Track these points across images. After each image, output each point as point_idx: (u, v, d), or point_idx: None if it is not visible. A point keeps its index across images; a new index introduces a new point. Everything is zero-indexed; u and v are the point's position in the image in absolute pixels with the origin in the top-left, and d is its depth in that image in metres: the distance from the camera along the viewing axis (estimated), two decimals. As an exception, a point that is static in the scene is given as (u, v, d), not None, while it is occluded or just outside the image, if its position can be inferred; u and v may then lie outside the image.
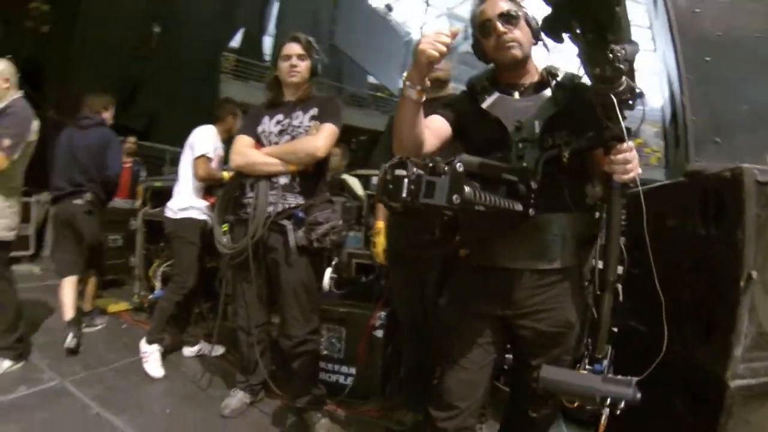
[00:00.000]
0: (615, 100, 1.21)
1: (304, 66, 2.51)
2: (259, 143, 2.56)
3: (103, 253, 4.46)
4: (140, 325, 4.21)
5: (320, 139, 2.40)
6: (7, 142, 2.80)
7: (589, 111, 1.31)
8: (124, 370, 3.38)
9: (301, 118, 2.55)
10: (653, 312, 1.37)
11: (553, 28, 1.22)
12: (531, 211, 1.25)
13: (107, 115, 3.98)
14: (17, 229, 3.26)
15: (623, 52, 1.12)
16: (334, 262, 3.28)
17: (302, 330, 2.49)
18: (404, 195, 1.03)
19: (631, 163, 1.27)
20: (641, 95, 1.25)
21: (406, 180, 1.03)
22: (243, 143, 2.58)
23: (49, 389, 3.02)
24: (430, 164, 1.04)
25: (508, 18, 1.45)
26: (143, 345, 3.33)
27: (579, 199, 1.45)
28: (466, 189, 1.01)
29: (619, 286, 1.34)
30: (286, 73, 2.56)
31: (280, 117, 2.55)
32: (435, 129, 1.54)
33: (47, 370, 3.25)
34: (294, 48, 2.50)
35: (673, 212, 1.77)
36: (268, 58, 12.26)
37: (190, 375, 3.30)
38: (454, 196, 0.97)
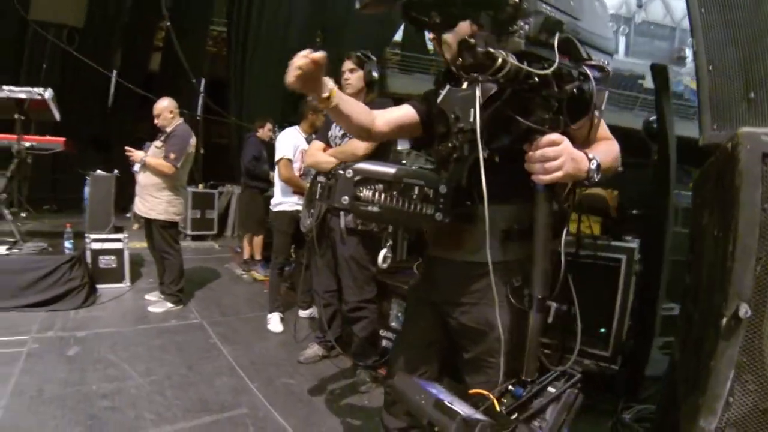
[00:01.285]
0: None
1: (354, 77, 3.03)
2: (328, 145, 3.18)
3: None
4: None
5: (362, 142, 2.85)
6: (173, 156, 4.19)
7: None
8: (251, 321, 4.40)
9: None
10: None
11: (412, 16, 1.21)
12: (438, 216, 1.24)
13: (260, 131, 6.17)
14: (182, 214, 4.66)
15: (490, 37, 1.03)
16: (389, 243, 3.55)
17: (355, 297, 3.13)
18: (317, 197, 1.43)
19: (554, 161, 1.11)
20: (580, 76, 1.14)
21: (319, 185, 1.41)
22: (314, 147, 3.26)
23: (190, 324, 4.22)
24: (334, 171, 1.32)
25: None
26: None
27: (520, 188, 1.29)
28: (363, 191, 1.21)
29: (553, 305, 1.26)
30: (342, 86, 3.09)
31: None
32: (391, 117, 1.65)
33: (195, 313, 4.48)
34: (346, 64, 3.06)
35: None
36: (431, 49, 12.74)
37: (297, 331, 4.04)
38: (343, 198, 1.20)
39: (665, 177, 2.96)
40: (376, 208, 1.19)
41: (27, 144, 4.51)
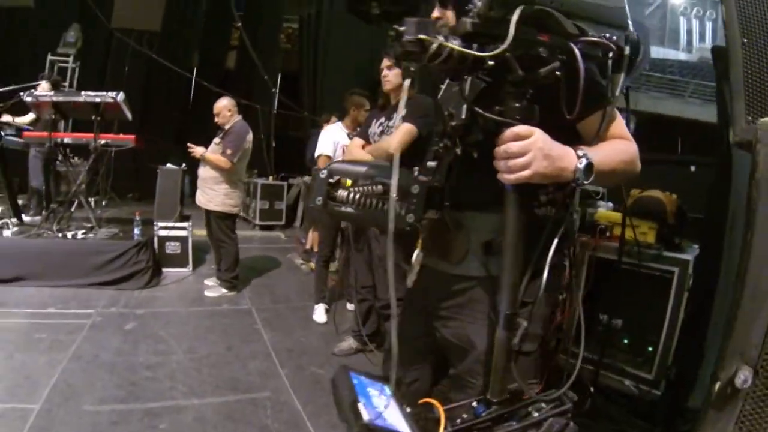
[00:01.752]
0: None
1: (392, 74, 3.08)
2: (368, 142, 3.31)
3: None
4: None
5: (394, 138, 2.86)
6: (229, 151, 4.53)
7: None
8: (299, 310, 4.62)
9: (396, 119, 3.17)
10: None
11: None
12: (408, 218, 1.11)
13: (326, 125, 6.07)
14: (240, 206, 4.97)
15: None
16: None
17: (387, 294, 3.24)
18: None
19: (519, 157, 0.96)
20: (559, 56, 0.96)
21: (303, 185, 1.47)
22: (353, 144, 3.41)
23: (239, 309, 4.56)
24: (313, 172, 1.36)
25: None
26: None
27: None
28: (339, 191, 1.19)
29: (523, 324, 1.13)
30: (381, 83, 3.23)
31: (382, 119, 3.23)
32: None
33: (246, 299, 4.81)
34: (384, 61, 3.13)
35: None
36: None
37: (340, 323, 4.20)
38: (317, 198, 1.21)
39: (725, 174, 2.72)
40: (349, 209, 1.15)
41: (102, 141, 5.15)
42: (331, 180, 1.20)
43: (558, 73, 0.96)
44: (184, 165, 6.00)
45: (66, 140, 5.17)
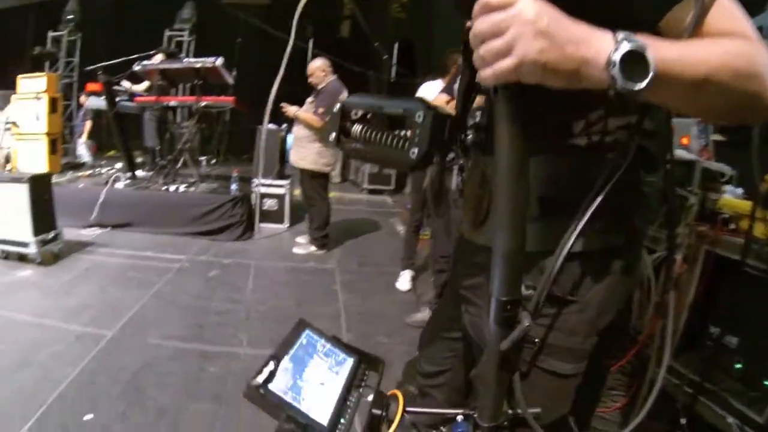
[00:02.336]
0: None
1: None
2: (453, 98, 3.08)
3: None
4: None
5: None
6: (321, 110, 4.55)
7: None
8: (385, 276, 4.45)
9: None
10: None
11: None
12: (412, 152, 0.92)
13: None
14: (333, 166, 4.95)
15: None
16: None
17: None
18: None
19: (495, 38, 0.62)
20: None
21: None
22: (438, 100, 3.23)
23: (323, 269, 4.58)
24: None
25: None
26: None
27: (548, 132, 0.89)
28: (354, 127, 1.10)
29: (525, 320, 0.81)
30: None
31: None
32: None
33: (333, 259, 4.85)
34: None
35: None
36: None
37: (423, 292, 4.01)
38: (331, 134, 1.14)
39: None
40: (359, 145, 1.06)
41: (203, 103, 5.50)
42: (347, 115, 1.09)
43: None
44: (285, 125, 6.18)
45: (172, 103, 5.62)
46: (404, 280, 4.18)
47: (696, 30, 0.69)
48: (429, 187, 2.96)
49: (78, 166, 6.49)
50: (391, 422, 0.91)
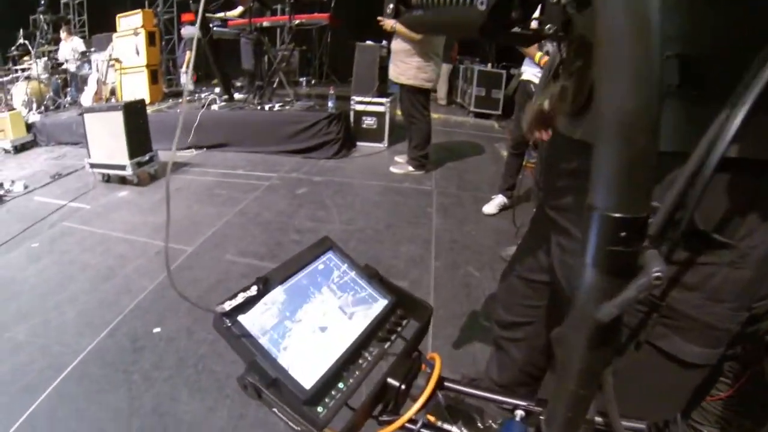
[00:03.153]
0: None
1: None
2: None
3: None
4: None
5: None
6: None
7: None
8: (485, 201, 3.93)
9: None
10: None
11: None
12: (480, 2, 0.65)
13: None
14: (434, 81, 4.47)
15: None
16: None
17: None
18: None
19: None
20: None
21: None
22: None
23: (420, 190, 4.22)
24: None
25: None
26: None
27: None
28: None
29: (656, 261, 0.41)
30: None
31: None
32: None
33: (432, 181, 4.47)
34: None
35: None
36: None
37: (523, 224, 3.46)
38: (388, 7, 0.92)
39: None
40: (419, 12, 0.84)
41: (297, 21, 5.30)
42: None
43: None
44: (384, 42, 5.78)
45: (265, 24, 5.46)
46: (492, 205, 3.73)
47: None
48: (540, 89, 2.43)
49: (179, 94, 6.75)
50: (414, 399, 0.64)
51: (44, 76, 6.71)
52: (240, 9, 6.19)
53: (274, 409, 0.57)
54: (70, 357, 2.04)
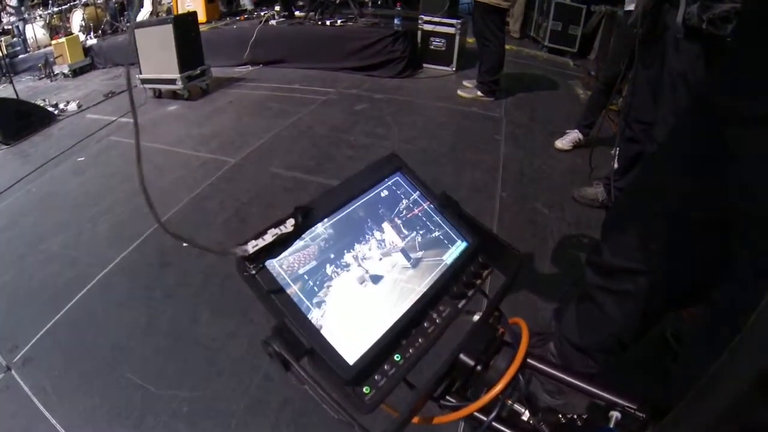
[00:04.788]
0: None
1: None
2: None
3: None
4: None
5: None
6: None
7: None
8: (557, 136, 3.34)
9: None
10: None
11: None
12: None
13: None
14: (511, 2, 3.98)
15: None
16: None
17: None
18: None
19: None
20: None
21: None
22: None
23: (488, 116, 3.74)
24: None
25: None
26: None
27: None
28: None
29: None
30: None
31: None
32: None
33: (501, 109, 3.92)
34: None
35: None
36: None
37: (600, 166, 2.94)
38: None
39: None
40: None
41: None
42: None
43: None
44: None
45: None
46: (566, 139, 3.20)
47: None
48: (638, 21, 1.98)
49: (239, 14, 6.40)
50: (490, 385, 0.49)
51: (101, 0, 6.55)
52: None
53: (306, 387, 0.43)
54: (96, 269, 1.93)
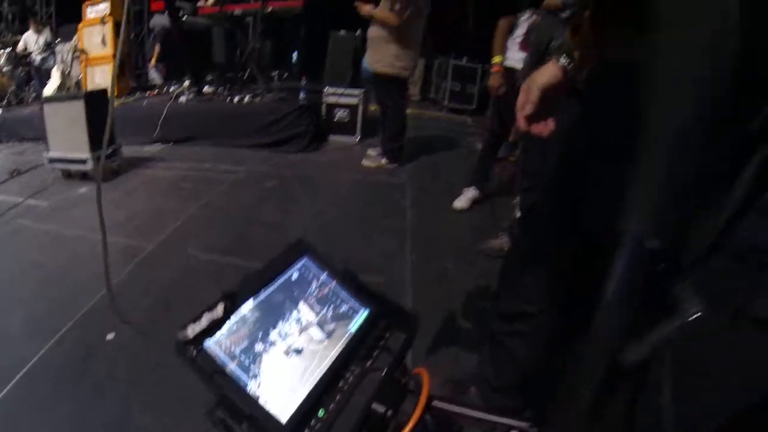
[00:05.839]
0: None
1: None
2: None
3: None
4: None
5: None
6: (398, 6, 3.89)
7: None
8: (456, 195, 3.70)
9: None
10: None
11: None
12: None
13: None
14: (411, 70, 4.30)
15: None
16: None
17: None
18: None
19: None
20: None
21: None
22: None
23: (393, 183, 4.05)
24: None
25: None
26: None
27: None
28: None
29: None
30: None
31: None
32: None
33: (405, 173, 4.30)
34: None
35: None
36: None
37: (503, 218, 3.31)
38: None
39: None
40: None
41: (270, 9, 5.09)
42: None
43: None
44: (359, 31, 5.56)
45: (237, 12, 5.22)
46: (464, 199, 3.49)
47: None
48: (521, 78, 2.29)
49: (148, 88, 6.45)
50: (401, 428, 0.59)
51: (7, 68, 6.33)
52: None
53: None
54: (15, 368, 1.86)
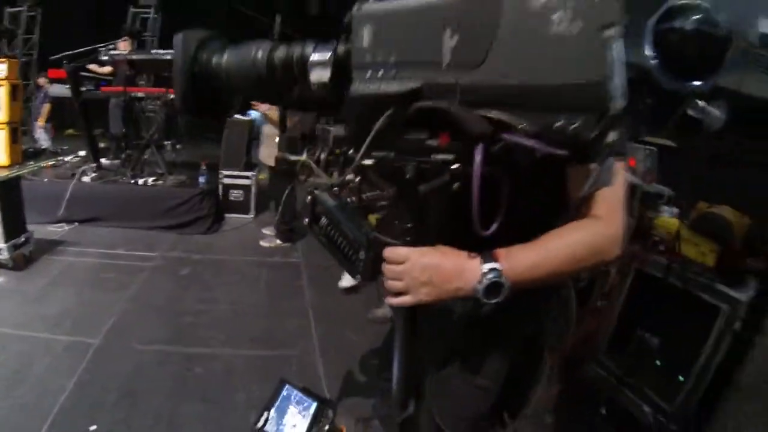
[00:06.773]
0: None
1: None
2: None
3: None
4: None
5: None
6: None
7: None
8: (337, 268, 4.45)
9: None
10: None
11: None
12: (357, 277, 1.10)
13: None
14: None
15: None
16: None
17: None
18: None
19: (396, 282, 0.94)
20: None
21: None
22: None
23: (289, 263, 4.79)
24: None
25: None
26: None
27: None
28: (322, 220, 1.16)
29: None
30: None
31: None
32: None
33: (300, 252, 5.03)
34: None
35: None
36: None
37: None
38: (305, 218, 1.22)
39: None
40: (322, 238, 1.12)
41: (172, 96, 5.41)
42: (317, 205, 1.13)
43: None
44: (251, 113, 6.19)
45: (140, 94, 5.57)
46: (347, 278, 4.03)
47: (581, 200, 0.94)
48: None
49: (38, 153, 6.34)
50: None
51: None
52: (109, 68, 6.11)
53: None
54: None
